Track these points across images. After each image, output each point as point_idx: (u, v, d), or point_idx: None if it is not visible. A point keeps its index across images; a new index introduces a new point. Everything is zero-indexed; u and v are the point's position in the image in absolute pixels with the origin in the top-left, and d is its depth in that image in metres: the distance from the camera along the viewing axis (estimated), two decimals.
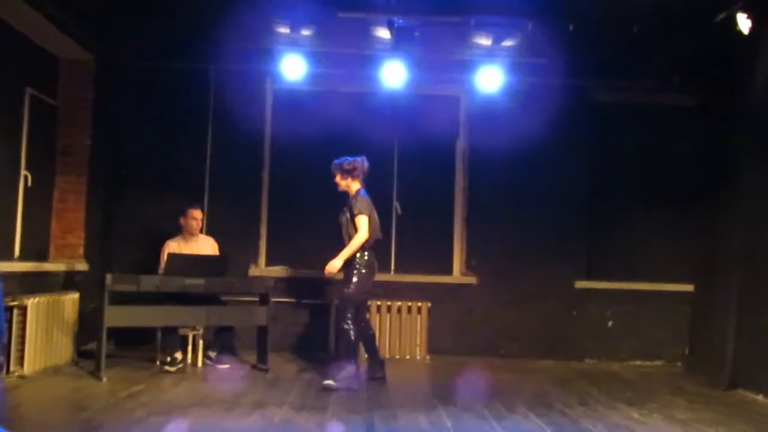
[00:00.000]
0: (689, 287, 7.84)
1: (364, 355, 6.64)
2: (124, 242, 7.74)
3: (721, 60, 7.12)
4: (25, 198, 6.67)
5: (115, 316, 6.10)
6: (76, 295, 6.90)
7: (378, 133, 8.00)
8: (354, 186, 6.35)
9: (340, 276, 6.30)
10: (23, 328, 5.93)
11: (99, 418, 4.78)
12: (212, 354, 6.93)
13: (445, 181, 8.27)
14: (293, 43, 7.15)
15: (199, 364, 6.78)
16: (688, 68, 7.58)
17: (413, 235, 8.13)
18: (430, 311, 7.87)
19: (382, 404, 5.51)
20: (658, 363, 7.98)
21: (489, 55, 7.27)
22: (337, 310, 6.49)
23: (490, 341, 7.98)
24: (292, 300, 7.81)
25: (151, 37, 7.37)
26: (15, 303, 5.84)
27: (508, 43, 7.11)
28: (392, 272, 8.07)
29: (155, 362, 6.63)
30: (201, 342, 6.80)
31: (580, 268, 8.10)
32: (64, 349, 6.64)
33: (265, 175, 8.11)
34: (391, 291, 7.88)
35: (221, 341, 7.07)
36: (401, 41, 6.94)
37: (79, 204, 7.30)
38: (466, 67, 7.52)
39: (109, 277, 6.03)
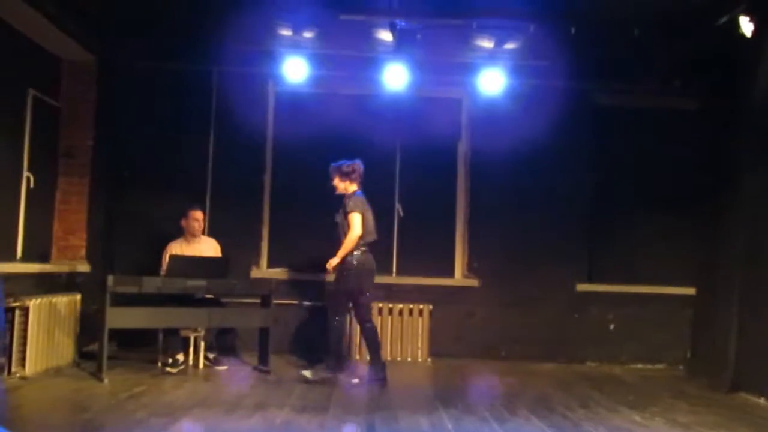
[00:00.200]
0: (691, 290, 7.81)
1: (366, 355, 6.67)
2: (126, 244, 7.74)
3: (722, 63, 7.12)
4: (27, 199, 6.68)
5: (117, 318, 6.11)
6: (77, 297, 6.92)
7: (380, 136, 8.02)
8: (351, 188, 6.45)
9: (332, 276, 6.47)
10: (25, 329, 5.94)
11: (100, 419, 4.78)
12: (211, 356, 6.94)
13: (447, 183, 8.27)
14: (295, 46, 7.16)
15: (201, 365, 6.78)
16: (689, 71, 7.58)
17: (415, 237, 8.13)
18: (431, 314, 7.87)
19: (383, 406, 5.51)
20: (660, 366, 7.97)
21: (491, 57, 7.28)
22: (325, 306, 6.56)
23: (491, 344, 7.97)
24: (294, 302, 7.82)
25: (153, 39, 7.39)
26: (17, 304, 5.85)
27: (510, 45, 7.12)
28: (394, 274, 8.08)
29: (157, 364, 6.63)
30: (203, 343, 6.80)
31: (581, 271, 8.10)
32: (65, 350, 6.65)
33: (267, 177, 8.11)
34: (392, 293, 7.89)
35: (223, 343, 7.07)
36: (403, 44, 6.95)
37: (81, 205, 7.32)
38: (468, 69, 7.53)
39: (110, 279, 6.04)
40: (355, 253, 6.28)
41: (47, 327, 6.27)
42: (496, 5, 6.61)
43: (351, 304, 6.50)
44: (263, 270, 7.98)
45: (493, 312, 8.00)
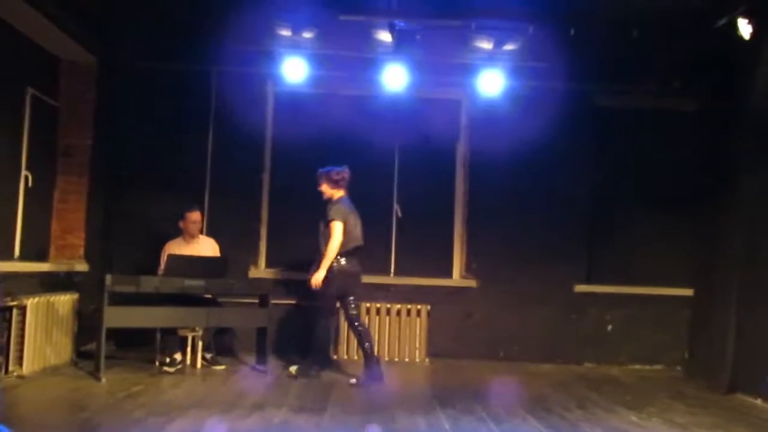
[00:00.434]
0: (689, 291, 7.83)
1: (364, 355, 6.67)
2: (125, 243, 7.75)
3: (721, 65, 7.13)
4: (25, 198, 6.68)
5: (115, 317, 6.11)
6: (75, 296, 6.91)
7: (379, 136, 8.02)
8: (338, 194, 6.48)
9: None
10: (23, 328, 5.94)
11: (98, 418, 4.78)
12: (208, 355, 6.94)
13: (446, 184, 8.27)
14: (294, 46, 7.16)
15: (198, 365, 6.78)
16: (688, 73, 7.59)
17: (413, 237, 8.14)
18: (429, 314, 7.87)
19: (380, 406, 5.51)
20: (658, 367, 7.97)
21: (490, 58, 7.27)
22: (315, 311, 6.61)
23: (489, 344, 7.98)
24: (292, 302, 7.81)
25: (152, 39, 7.40)
26: (14, 303, 5.84)
27: (509, 46, 7.11)
28: (392, 275, 8.08)
29: (154, 363, 6.62)
30: (200, 343, 6.80)
31: (579, 271, 8.10)
32: (63, 349, 6.65)
33: (266, 177, 8.12)
34: (390, 294, 7.90)
35: (220, 342, 7.07)
36: (402, 44, 6.95)
37: (79, 204, 7.31)
38: (468, 70, 7.52)
39: (108, 278, 6.04)
40: (340, 260, 6.32)
41: (45, 326, 6.27)
42: (495, 6, 6.60)
43: (339, 305, 6.60)
44: (261, 269, 7.99)
45: (492, 312, 8.00)
